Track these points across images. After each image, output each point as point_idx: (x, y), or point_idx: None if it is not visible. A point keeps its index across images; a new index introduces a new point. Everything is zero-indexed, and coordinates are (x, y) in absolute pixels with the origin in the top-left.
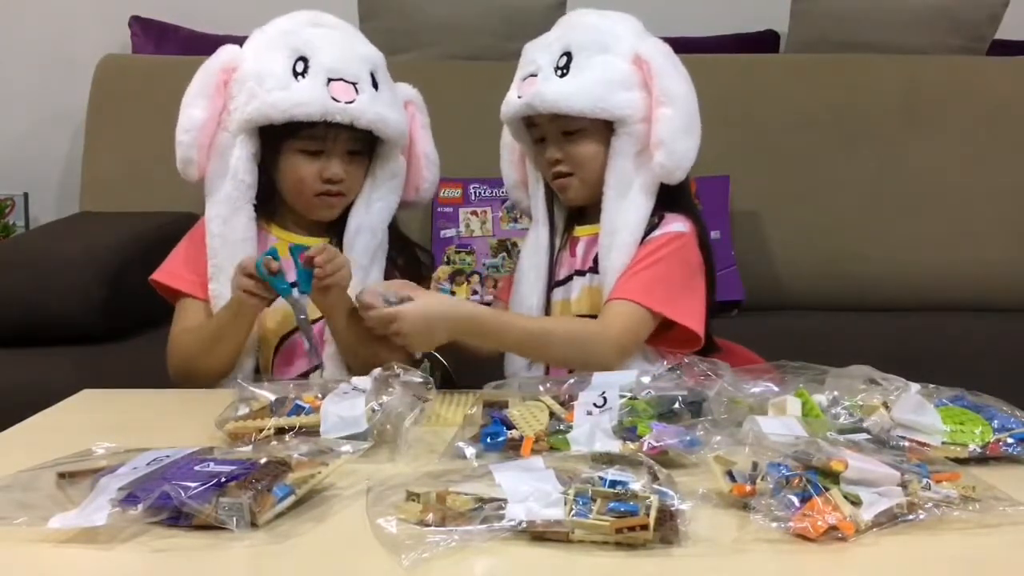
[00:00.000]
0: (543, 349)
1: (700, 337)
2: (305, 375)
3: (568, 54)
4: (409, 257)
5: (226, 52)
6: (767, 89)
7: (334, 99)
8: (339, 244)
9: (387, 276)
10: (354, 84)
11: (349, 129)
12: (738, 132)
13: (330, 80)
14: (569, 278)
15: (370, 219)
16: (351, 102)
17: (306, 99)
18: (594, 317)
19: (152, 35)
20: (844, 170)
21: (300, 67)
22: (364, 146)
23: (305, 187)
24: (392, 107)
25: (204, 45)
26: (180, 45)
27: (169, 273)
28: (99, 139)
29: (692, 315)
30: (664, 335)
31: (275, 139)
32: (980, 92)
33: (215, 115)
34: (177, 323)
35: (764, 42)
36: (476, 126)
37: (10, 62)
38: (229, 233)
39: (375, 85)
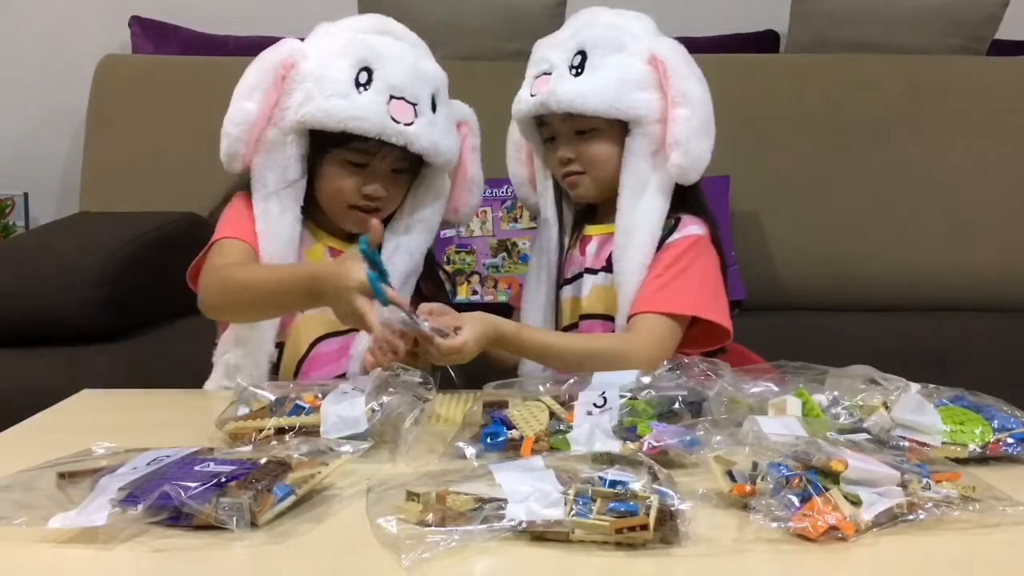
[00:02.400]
0: (572, 367)
1: (729, 332)
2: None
3: (583, 53)
4: (435, 282)
5: (286, 46)
6: (767, 89)
7: (393, 119)
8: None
9: (413, 299)
10: (414, 105)
11: (400, 149)
12: (738, 132)
13: (392, 97)
14: (578, 276)
15: (408, 241)
16: (409, 124)
17: (364, 114)
18: (607, 317)
19: (152, 35)
20: (844, 170)
21: (363, 78)
22: (410, 165)
23: (342, 197)
24: (447, 132)
25: (204, 45)
26: (180, 45)
27: (222, 231)
28: (99, 139)
29: (722, 313)
30: (686, 336)
31: (322, 143)
32: (980, 92)
33: (268, 110)
34: (216, 257)
35: (764, 42)
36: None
37: (10, 62)
38: (278, 230)
39: (434, 107)
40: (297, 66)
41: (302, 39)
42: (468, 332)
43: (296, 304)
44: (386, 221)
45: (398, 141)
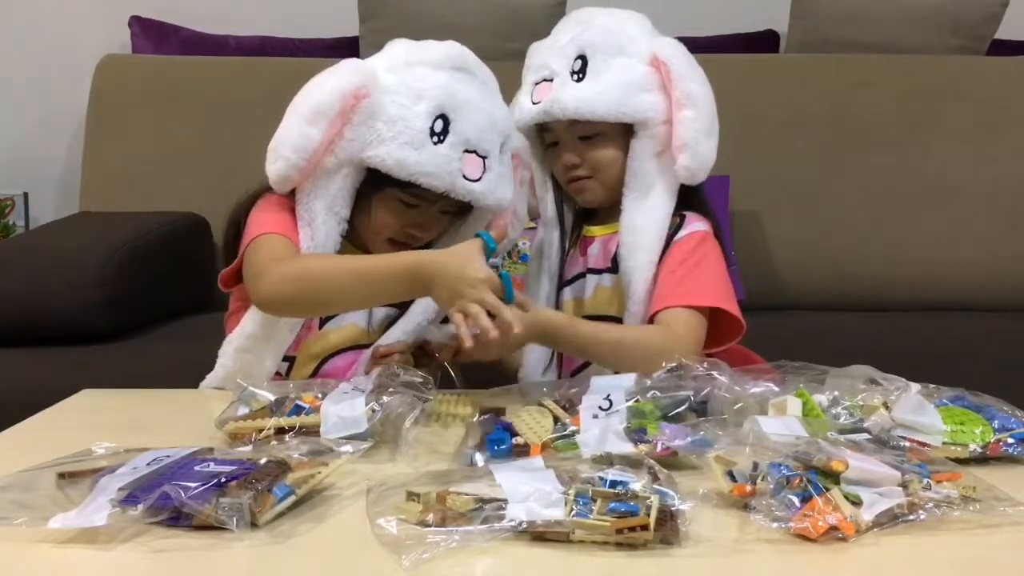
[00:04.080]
0: (614, 357)
1: (743, 326)
2: None
3: (583, 57)
4: None
5: (360, 74)
6: (767, 89)
7: (464, 176)
8: None
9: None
10: (484, 158)
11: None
12: (738, 132)
13: (465, 151)
14: (580, 276)
15: None
16: (478, 179)
17: (437, 171)
18: (611, 318)
19: (152, 35)
20: (844, 170)
21: (439, 127)
22: (460, 208)
23: (386, 232)
24: (509, 180)
25: (204, 45)
26: (180, 45)
27: (264, 227)
28: (99, 139)
29: (736, 308)
30: None
31: (379, 179)
32: (980, 92)
33: (330, 137)
34: (269, 251)
35: (764, 42)
36: None
37: (10, 62)
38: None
39: (499, 153)
40: (370, 97)
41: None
42: (525, 316)
43: (388, 294)
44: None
45: (465, 198)
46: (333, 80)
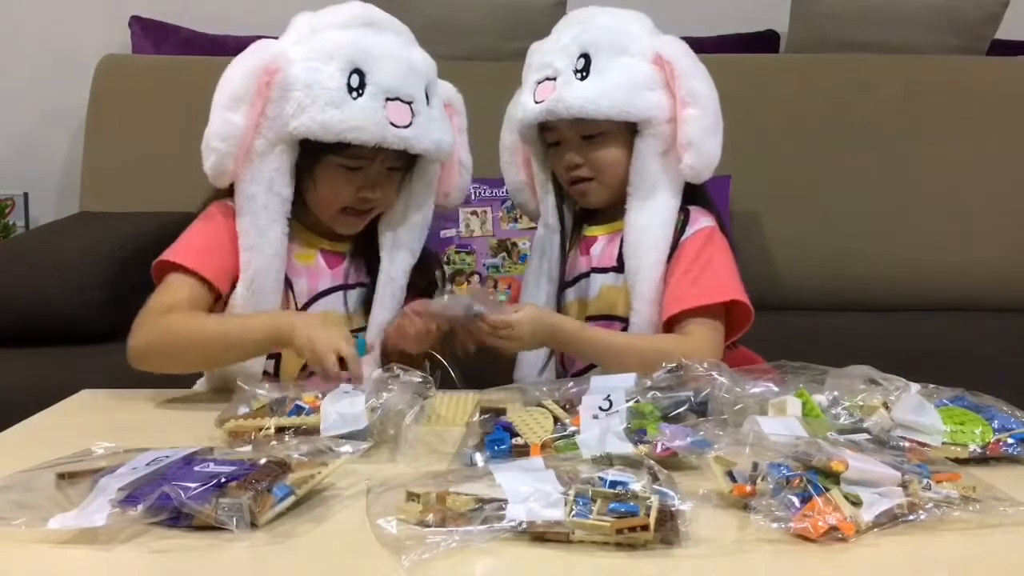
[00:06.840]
0: (634, 365)
1: (751, 314)
2: None
3: (586, 56)
4: (424, 266)
5: (268, 51)
6: (767, 89)
7: (392, 124)
8: (369, 253)
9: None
10: (409, 104)
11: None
12: (738, 132)
13: (387, 100)
14: (583, 276)
15: (409, 237)
16: (407, 126)
17: (363, 123)
18: (616, 317)
19: (152, 35)
20: (844, 170)
21: (355, 81)
22: (405, 162)
23: (337, 202)
24: (443, 125)
25: (204, 45)
26: (180, 45)
27: (184, 253)
28: (99, 139)
29: (744, 295)
30: None
31: (314, 150)
32: (980, 92)
33: (254, 120)
34: (163, 295)
35: (764, 42)
36: (476, 126)
37: (10, 62)
38: (265, 246)
39: (427, 99)
40: (282, 71)
41: (276, 37)
42: (523, 313)
43: (249, 352)
44: (379, 215)
45: (399, 146)
46: (242, 64)
